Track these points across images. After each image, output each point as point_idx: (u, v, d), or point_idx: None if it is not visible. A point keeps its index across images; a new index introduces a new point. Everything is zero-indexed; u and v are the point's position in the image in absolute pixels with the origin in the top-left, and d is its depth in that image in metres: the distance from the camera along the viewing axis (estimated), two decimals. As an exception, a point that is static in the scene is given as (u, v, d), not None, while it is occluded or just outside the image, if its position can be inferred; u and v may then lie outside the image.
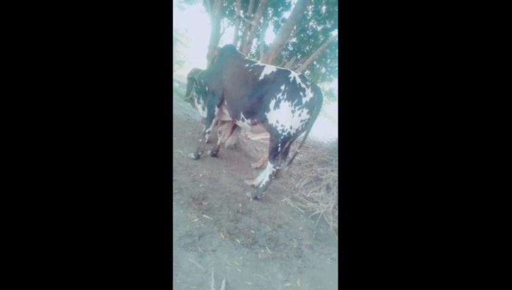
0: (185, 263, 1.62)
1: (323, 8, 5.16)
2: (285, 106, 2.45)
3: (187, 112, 5.07)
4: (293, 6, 4.32)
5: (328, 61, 5.76)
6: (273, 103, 2.50)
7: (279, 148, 2.59)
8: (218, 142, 3.56)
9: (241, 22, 4.29)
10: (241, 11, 4.23)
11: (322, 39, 5.37)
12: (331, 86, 6.77)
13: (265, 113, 2.56)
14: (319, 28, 5.45)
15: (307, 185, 3.55)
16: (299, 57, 5.72)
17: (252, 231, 2.17)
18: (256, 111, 2.63)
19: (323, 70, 5.98)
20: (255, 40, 4.78)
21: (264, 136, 2.99)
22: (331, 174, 3.57)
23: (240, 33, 4.45)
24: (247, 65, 2.76)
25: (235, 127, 3.65)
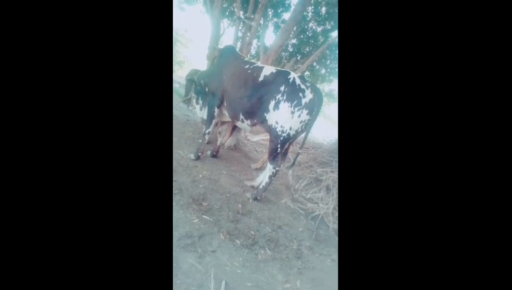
0: (184, 264, 1.62)
1: (323, 9, 5.17)
2: (284, 106, 2.45)
3: (187, 113, 5.07)
4: (292, 8, 4.33)
5: (328, 62, 5.77)
6: (272, 103, 2.50)
7: (279, 149, 2.59)
8: (218, 143, 3.55)
9: (241, 23, 4.29)
10: (241, 12, 4.24)
11: (321, 40, 5.38)
12: (330, 87, 6.79)
13: (265, 114, 2.57)
14: (319, 29, 5.46)
15: (307, 186, 3.55)
16: (298, 58, 5.73)
17: (252, 232, 2.17)
18: (255, 112, 2.63)
19: (323, 71, 5.99)
20: (255, 41, 4.79)
21: (264, 137, 3.00)
22: (331, 175, 3.57)
23: (240, 34, 4.46)
24: (246, 66, 2.76)
25: (235, 128, 3.65)
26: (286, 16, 5.27)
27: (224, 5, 4.86)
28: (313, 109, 2.47)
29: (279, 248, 2.10)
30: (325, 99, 6.53)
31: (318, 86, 3.95)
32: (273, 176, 2.70)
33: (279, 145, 2.56)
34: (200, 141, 3.20)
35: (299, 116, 2.44)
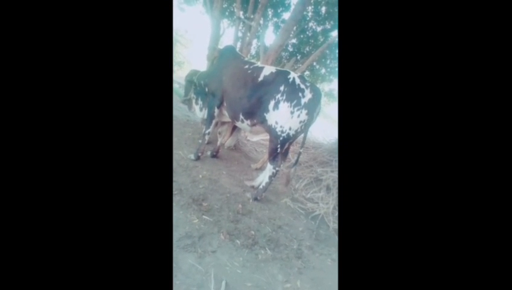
0: (184, 264, 1.62)
1: (323, 9, 5.17)
2: (284, 106, 2.45)
3: (187, 113, 5.07)
4: (292, 7, 4.34)
5: (328, 62, 5.77)
6: (272, 103, 2.50)
7: (279, 149, 2.58)
8: (218, 143, 3.56)
9: (241, 23, 4.29)
10: (241, 12, 4.24)
11: (321, 40, 5.38)
12: (330, 86, 6.79)
13: (265, 114, 2.56)
14: (319, 29, 5.46)
15: (307, 185, 3.55)
16: (298, 57, 5.73)
17: (252, 232, 2.17)
18: (255, 112, 2.63)
19: (323, 71, 5.99)
20: (254, 41, 4.79)
21: (264, 137, 3.00)
22: (331, 175, 3.57)
23: (240, 34, 4.46)
24: (246, 66, 2.76)
25: (235, 128, 3.66)
26: (286, 15, 5.28)
27: (224, 6, 4.87)
28: (313, 108, 2.46)
29: (280, 248, 2.10)
30: (325, 98, 6.55)
31: (318, 85, 3.95)
32: (273, 176, 2.70)
33: (279, 146, 2.56)
34: (200, 141, 3.20)
35: (299, 116, 2.44)
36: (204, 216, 2.15)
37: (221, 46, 3.84)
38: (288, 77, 2.48)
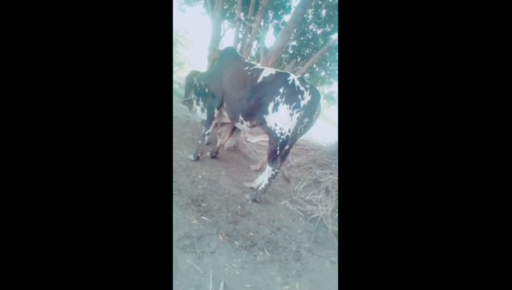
0: (183, 265, 1.61)
1: (323, 12, 5.20)
2: (283, 109, 2.44)
3: (187, 114, 5.07)
4: (293, 10, 4.35)
5: (328, 64, 5.79)
6: (271, 105, 2.49)
7: (278, 151, 2.57)
8: (218, 144, 3.56)
9: (242, 25, 4.31)
10: (242, 14, 4.26)
11: (321, 42, 5.41)
12: (330, 89, 6.80)
13: (264, 116, 2.56)
14: (319, 32, 5.49)
15: (306, 187, 3.55)
16: (298, 60, 5.75)
17: (251, 233, 2.17)
18: (254, 113, 2.63)
19: (323, 73, 6.01)
20: (255, 43, 4.80)
21: (263, 138, 2.99)
22: (330, 177, 3.57)
23: (240, 35, 4.48)
24: (246, 68, 2.77)
25: (234, 129, 3.66)
26: (286, 18, 5.30)
27: (224, 7, 4.88)
28: (312, 111, 2.46)
29: (278, 250, 2.10)
30: (324, 101, 6.56)
31: (318, 88, 3.95)
32: (272, 178, 2.69)
33: (278, 148, 2.55)
34: (200, 142, 3.20)
35: (298, 118, 2.43)
36: (203, 217, 2.15)
37: (221, 47, 3.85)
38: (288, 79, 2.48)
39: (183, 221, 2.01)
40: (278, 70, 2.67)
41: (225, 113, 3.03)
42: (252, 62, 3.23)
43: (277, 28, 5.45)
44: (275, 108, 2.47)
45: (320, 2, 5.05)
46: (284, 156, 2.82)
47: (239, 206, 2.50)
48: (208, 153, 3.45)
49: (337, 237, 2.58)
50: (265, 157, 3.37)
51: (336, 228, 2.69)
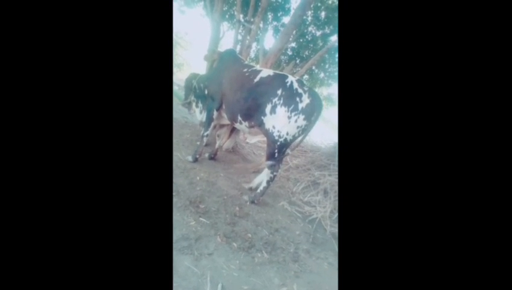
0: (181, 267, 1.61)
1: (323, 14, 5.23)
2: (281, 111, 2.41)
3: (185, 115, 5.07)
4: (292, 12, 4.37)
5: (327, 66, 5.81)
6: (269, 107, 2.46)
7: (276, 154, 2.55)
8: (217, 145, 3.55)
9: (241, 26, 4.32)
10: (241, 16, 4.27)
11: (321, 44, 5.43)
12: (329, 90, 6.83)
13: (262, 117, 2.54)
14: (318, 33, 5.52)
15: (305, 189, 3.55)
16: (298, 61, 5.77)
17: (249, 235, 2.16)
18: (253, 114, 2.61)
19: (322, 75, 6.04)
20: (254, 44, 4.82)
21: (262, 139, 2.99)
22: (329, 179, 3.57)
23: (240, 37, 4.49)
24: (245, 70, 2.76)
25: (233, 130, 3.66)
26: (286, 19, 5.33)
27: (224, 8, 4.90)
28: (310, 114, 2.43)
29: (276, 251, 2.10)
30: (323, 103, 6.57)
31: (316, 89, 3.97)
32: (271, 181, 2.68)
33: (276, 150, 2.53)
34: (198, 143, 3.20)
35: (296, 121, 2.40)
36: (201, 218, 2.14)
37: (221, 49, 3.85)
38: (286, 80, 2.45)
39: (181, 222, 2.00)
40: (277, 71, 2.66)
41: (224, 115, 3.03)
42: (251, 64, 3.23)
43: (276, 30, 5.48)
44: (273, 110, 2.45)
45: (319, 4, 5.07)
46: (282, 158, 2.82)
47: (237, 208, 2.50)
48: (207, 155, 3.45)
49: (335, 239, 2.58)
50: (263, 159, 3.37)
51: (334, 230, 2.69)
